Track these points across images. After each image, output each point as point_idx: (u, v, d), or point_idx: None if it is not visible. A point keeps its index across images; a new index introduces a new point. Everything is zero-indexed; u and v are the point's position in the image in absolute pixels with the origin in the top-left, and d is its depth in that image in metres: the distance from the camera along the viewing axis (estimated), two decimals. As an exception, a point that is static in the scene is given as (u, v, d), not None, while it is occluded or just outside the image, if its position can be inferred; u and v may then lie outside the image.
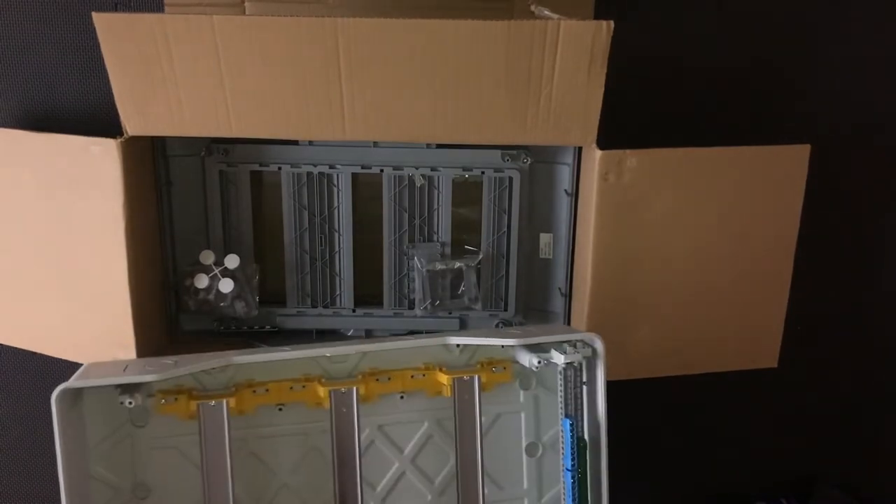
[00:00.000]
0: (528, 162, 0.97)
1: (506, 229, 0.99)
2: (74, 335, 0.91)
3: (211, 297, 0.96)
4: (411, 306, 1.01)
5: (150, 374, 0.73)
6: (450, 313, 1.01)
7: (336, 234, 0.99)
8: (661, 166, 0.87)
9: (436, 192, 0.98)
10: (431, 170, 0.97)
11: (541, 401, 0.83)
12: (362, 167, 0.97)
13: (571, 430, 0.78)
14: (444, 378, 0.80)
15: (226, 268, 0.96)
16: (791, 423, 1.25)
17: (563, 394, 0.78)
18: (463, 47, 0.80)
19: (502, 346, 0.82)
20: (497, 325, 1.01)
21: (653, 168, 0.86)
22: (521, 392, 0.83)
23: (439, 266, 0.99)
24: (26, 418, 1.17)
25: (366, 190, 0.99)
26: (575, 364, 0.77)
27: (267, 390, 0.79)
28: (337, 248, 1.00)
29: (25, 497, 1.21)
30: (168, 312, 0.98)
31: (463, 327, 1.02)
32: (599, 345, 0.77)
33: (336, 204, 0.98)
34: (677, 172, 0.87)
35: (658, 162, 0.86)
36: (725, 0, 1.08)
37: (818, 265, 1.15)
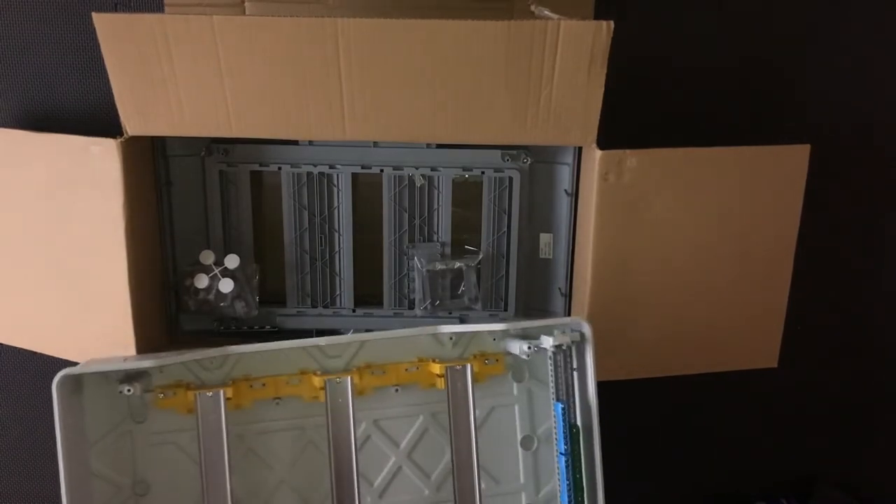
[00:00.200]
0: (528, 162, 0.97)
1: (506, 229, 0.99)
2: (74, 335, 0.91)
3: (211, 297, 0.96)
4: (411, 306, 1.01)
5: (149, 361, 0.74)
6: (450, 313, 1.01)
7: (336, 234, 0.99)
8: (661, 166, 0.87)
9: (436, 192, 0.98)
10: (431, 170, 0.97)
11: (534, 394, 0.84)
12: (362, 167, 0.97)
13: (563, 415, 0.78)
14: (436, 368, 0.81)
15: (226, 268, 0.96)
16: (791, 423, 1.25)
17: (553, 378, 0.79)
18: (463, 47, 0.80)
19: (493, 339, 0.83)
20: (497, 325, 1.01)
21: (653, 168, 0.86)
22: (515, 384, 0.84)
23: (439, 266, 0.99)
24: (26, 418, 1.17)
25: (366, 190, 0.99)
26: (564, 347, 0.78)
27: (263, 384, 0.80)
28: (337, 248, 1.00)
29: (25, 497, 1.21)
30: (168, 312, 0.98)
31: (463, 327, 1.02)
32: (587, 329, 0.78)
33: (336, 204, 0.98)
34: (677, 172, 0.87)
35: (658, 162, 0.86)
36: (725, 0, 1.08)
37: (818, 265, 1.15)
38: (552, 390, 0.80)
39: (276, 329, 1.01)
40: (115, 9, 1.03)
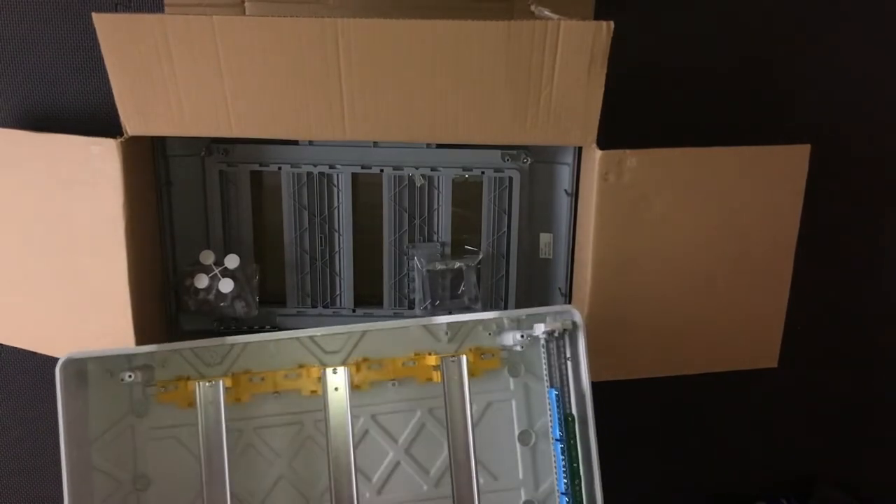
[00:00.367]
0: (528, 162, 0.97)
1: (506, 229, 0.99)
2: (74, 335, 0.91)
3: (211, 297, 0.96)
4: (411, 306, 1.01)
5: (151, 347, 0.76)
6: (450, 313, 1.01)
7: (336, 234, 0.99)
8: (661, 166, 0.87)
9: (436, 192, 0.98)
10: (431, 170, 0.97)
11: (531, 389, 0.84)
12: (362, 167, 0.97)
13: (557, 401, 0.79)
14: (432, 360, 0.82)
15: (226, 268, 0.96)
16: (791, 423, 1.25)
17: (546, 365, 0.80)
18: (463, 47, 0.80)
19: (489, 334, 0.85)
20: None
21: (653, 168, 0.86)
22: (511, 380, 0.84)
23: (439, 266, 0.99)
24: (26, 418, 1.17)
25: (366, 190, 0.99)
26: (556, 334, 0.79)
27: (262, 379, 0.81)
28: (337, 248, 1.00)
29: (25, 497, 1.21)
30: (168, 312, 0.98)
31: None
32: (578, 316, 0.79)
33: (336, 204, 0.98)
34: (677, 172, 0.87)
35: (658, 162, 0.86)
36: (725, 0, 1.08)
37: (818, 265, 1.15)
38: (546, 377, 0.80)
39: (276, 329, 1.01)
40: (115, 9, 1.03)
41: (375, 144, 0.96)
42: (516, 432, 0.83)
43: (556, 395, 0.79)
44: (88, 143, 0.84)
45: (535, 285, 1.02)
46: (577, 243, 0.96)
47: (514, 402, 0.84)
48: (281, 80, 0.82)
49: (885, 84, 1.12)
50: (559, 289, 1.00)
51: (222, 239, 0.98)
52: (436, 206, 0.99)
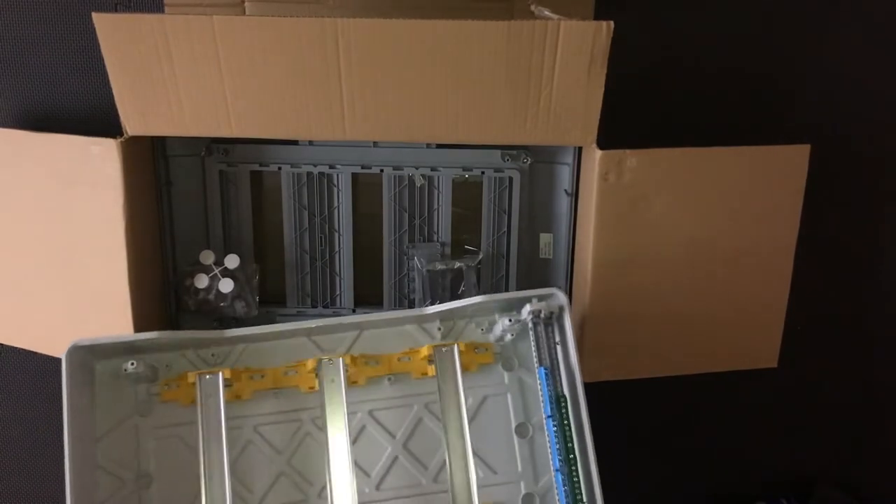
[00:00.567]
0: (528, 162, 0.97)
1: (506, 229, 0.99)
2: (75, 335, 0.90)
3: (211, 297, 0.96)
4: (411, 306, 1.01)
5: (152, 333, 0.77)
6: (450, 313, 1.01)
7: (336, 234, 0.99)
8: (661, 166, 0.87)
9: (436, 192, 0.98)
10: (431, 170, 0.97)
11: (525, 384, 0.84)
12: (362, 167, 0.97)
13: (546, 378, 0.79)
14: (424, 350, 0.82)
15: (226, 268, 0.96)
16: (791, 423, 1.25)
17: (535, 346, 0.81)
18: (463, 47, 0.80)
19: (482, 331, 0.85)
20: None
21: (653, 168, 0.86)
22: (506, 374, 0.84)
23: (439, 266, 0.99)
24: (26, 418, 1.17)
25: (366, 190, 0.99)
26: (542, 314, 0.80)
27: (262, 376, 0.82)
28: (337, 248, 1.00)
29: (25, 497, 1.21)
30: (168, 312, 0.98)
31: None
32: (562, 297, 0.81)
33: (336, 204, 0.98)
34: (677, 172, 0.87)
35: (658, 162, 0.86)
36: (726, 0, 1.08)
37: (818, 265, 1.15)
38: (535, 359, 0.81)
39: (276, 329, 1.01)
40: (115, 9, 1.03)
41: (375, 144, 0.96)
42: (513, 425, 0.83)
43: (546, 373, 0.79)
44: (88, 143, 0.84)
45: (534, 285, 1.02)
46: (577, 243, 0.96)
47: (509, 396, 0.84)
48: (281, 80, 0.82)
49: (885, 84, 1.12)
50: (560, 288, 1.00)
51: (222, 239, 0.98)
52: (436, 206, 0.99)
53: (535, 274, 1.02)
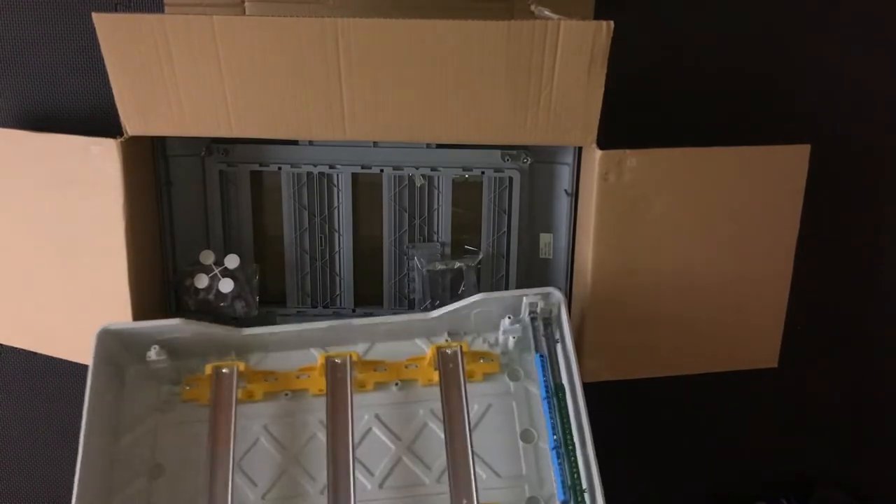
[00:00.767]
0: (528, 162, 0.97)
1: (506, 229, 0.99)
2: (74, 335, 0.91)
3: (211, 297, 0.96)
4: (411, 306, 1.01)
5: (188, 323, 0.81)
6: (450, 313, 1.01)
7: (336, 234, 0.99)
8: (661, 166, 0.87)
9: (436, 192, 0.98)
10: (431, 170, 0.97)
11: (531, 394, 0.84)
12: (362, 167, 0.97)
13: (542, 364, 0.80)
14: (430, 353, 0.83)
15: (226, 268, 0.96)
16: (791, 423, 1.25)
17: (533, 339, 0.82)
18: (463, 47, 0.80)
19: (489, 345, 0.86)
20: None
21: (653, 168, 0.86)
22: (511, 383, 0.85)
23: (439, 266, 0.99)
24: (26, 418, 1.17)
25: (366, 190, 0.99)
26: (540, 310, 0.83)
27: (275, 378, 0.84)
28: (337, 248, 1.00)
29: (25, 497, 1.21)
30: (168, 312, 0.98)
31: (463, 327, 1.02)
32: (558, 295, 0.83)
33: (336, 204, 0.98)
34: (677, 172, 0.87)
35: (658, 162, 0.86)
36: (726, 0, 1.08)
37: (818, 265, 1.15)
38: (532, 346, 0.82)
39: (276, 329, 1.01)
40: (115, 9, 1.03)
41: (375, 144, 0.96)
42: (518, 430, 0.83)
43: (543, 359, 0.80)
44: (88, 143, 0.84)
45: (534, 285, 1.01)
46: (577, 243, 0.96)
47: (514, 404, 0.84)
48: (281, 80, 0.82)
49: (885, 84, 1.12)
50: (559, 289, 1.00)
51: (222, 239, 0.98)
52: (436, 206, 0.99)
53: (535, 274, 1.02)
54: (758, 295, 0.94)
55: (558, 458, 0.75)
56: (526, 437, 0.83)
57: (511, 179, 0.97)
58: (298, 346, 0.86)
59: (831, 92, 1.12)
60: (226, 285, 0.95)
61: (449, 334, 0.86)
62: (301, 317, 1.01)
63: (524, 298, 0.83)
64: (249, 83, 0.82)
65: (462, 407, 0.79)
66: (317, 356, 0.84)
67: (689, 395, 1.20)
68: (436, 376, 0.83)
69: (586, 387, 0.79)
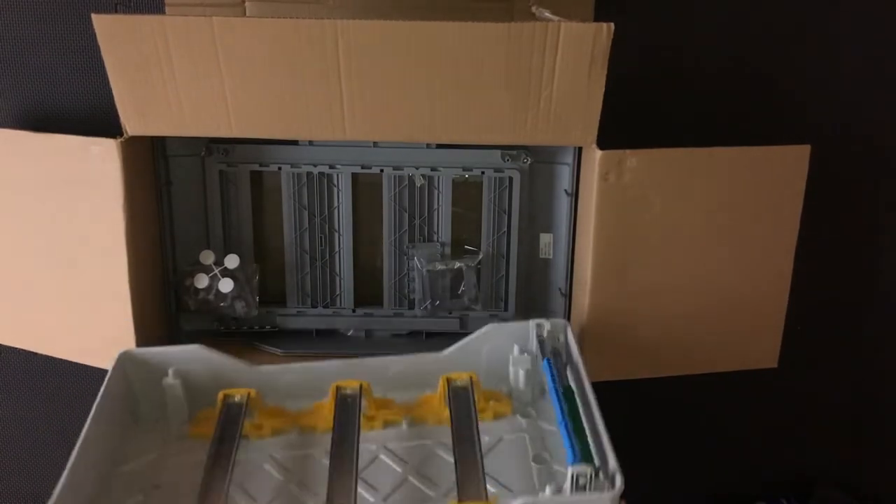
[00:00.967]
0: (528, 162, 0.97)
1: (506, 229, 0.99)
2: (74, 335, 0.91)
3: (211, 297, 0.96)
4: (411, 306, 1.01)
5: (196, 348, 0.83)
6: (450, 313, 1.01)
7: (336, 234, 0.99)
8: (661, 166, 0.87)
9: (436, 192, 0.98)
10: (431, 170, 0.97)
11: (545, 430, 0.82)
12: (362, 167, 0.97)
13: (549, 366, 0.80)
14: (440, 387, 0.82)
15: (226, 268, 0.96)
16: (791, 423, 1.25)
17: (540, 351, 0.83)
18: (463, 49, 0.80)
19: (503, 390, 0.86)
20: (497, 326, 1.01)
21: (653, 168, 0.86)
22: (523, 420, 0.83)
23: (439, 266, 0.99)
24: (26, 418, 1.17)
25: (366, 190, 0.99)
26: (545, 333, 0.84)
27: (285, 416, 0.83)
28: (337, 248, 1.00)
29: (26, 497, 1.21)
30: (168, 312, 0.98)
31: (463, 328, 1.02)
32: (561, 322, 0.85)
33: (336, 204, 0.98)
34: (677, 172, 0.87)
35: (658, 162, 0.86)
36: (726, 0, 1.08)
37: (818, 265, 1.15)
38: (539, 356, 0.82)
39: (276, 329, 1.01)
40: (115, 9, 1.03)
41: (375, 144, 0.96)
42: (530, 454, 0.80)
43: (549, 361, 0.80)
44: (88, 143, 0.84)
45: (535, 285, 1.02)
46: (577, 243, 0.96)
47: (527, 437, 0.81)
48: (281, 80, 0.82)
49: (886, 84, 1.12)
50: (559, 289, 1.00)
51: (222, 239, 0.98)
52: (436, 206, 0.99)
53: (535, 274, 1.02)
54: (758, 295, 0.94)
55: (566, 428, 0.73)
56: (539, 459, 0.80)
57: (511, 179, 0.97)
58: (309, 384, 0.84)
59: (831, 92, 1.12)
60: (226, 285, 0.95)
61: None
62: (301, 317, 1.01)
63: (530, 324, 0.84)
64: (249, 83, 0.82)
65: (472, 425, 0.77)
66: (327, 393, 0.82)
67: (689, 395, 1.20)
68: (446, 413, 0.80)
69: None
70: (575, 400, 0.76)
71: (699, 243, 0.90)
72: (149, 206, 0.93)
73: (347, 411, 0.79)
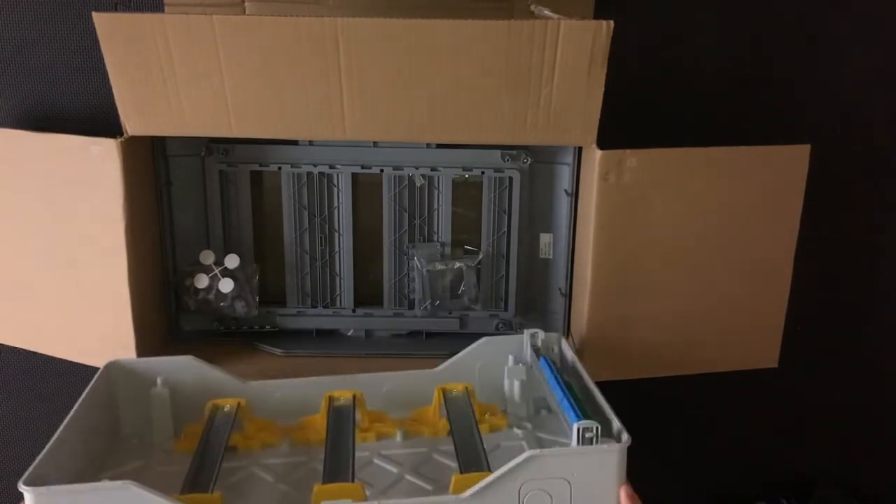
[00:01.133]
0: (528, 162, 0.97)
1: (506, 229, 0.99)
2: (74, 335, 0.91)
3: (211, 297, 0.96)
4: (411, 306, 1.01)
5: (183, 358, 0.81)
6: (450, 313, 1.01)
7: (336, 234, 0.99)
8: (661, 166, 0.87)
9: (436, 192, 0.98)
10: (431, 170, 0.97)
11: (542, 439, 0.81)
12: (362, 167, 0.97)
13: (547, 362, 0.80)
14: (435, 398, 0.81)
15: (226, 268, 0.96)
16: (791, 423, 1.25)
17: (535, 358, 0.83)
18: (463, 47, 0.80)
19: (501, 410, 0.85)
20: (497, 326, 1.01)
21: (653, 168, 0.86)
22: (519, 432, 0.82)
23: (439, 266, 0.99)
24: (26, 418, 1.17)
25: (366, 190, 0.99)
26: (539, 343, 0.84)
27: (275, 430, 0.81)
28: (337, 248, 1.00)
29: (25, 497, 1.21)
30: (168, 312, 0.98)
31: (463, 328, 1.02)
32: (555, 336, 0.85)
33: (336, 204, 0.98)
34: (677, 172, 0.87)
35: (658, 162, 0.86)
36: (726, 0, 1.08)
37: (818, 265, 1.15)
38: (534, 366, 0.82)
39: (276, 329, 1.01)
40: (115, 8, 1.03)
41: (375, 144, 0.96)
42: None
43: (547, 359, 0.80)
44: (88, 143, 0.84)
45: (535, 285, 1.02)
46: (577, 243, 0.96)
47: (525, 444, 0.80)
48: (281, 80, 0.82)
49: (886, 84, 1.12)
50: (559, 289, 1.00)
51: (222, 239, 0.98)
52: (436, 206, 0.99)
53: (535, 274, 1.02)
54: (758, 295, 0.94)
55: (567, 398, 0.73)
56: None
57: (511, 179, 0.97)
58: (301, 400, 0.82)
59: (831, 92, 1.12)
60: (226, 285, 0.95)
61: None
62: (301, 317, 1.01)
63: (525, 335, 0.84)
64: (249, 83, 0.82)
65: (471, 420, 0.76)
66: (320, 409, 0.80)
67: (689, 395, 1.20)
68: (442, 424, 0.80)
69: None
70: (573, 387, 0.76)
71: (699, 243, 0.90)
72: (149, 206, 0.93)
73: (341, 421, 0.77)
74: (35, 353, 0.94)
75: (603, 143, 0.85)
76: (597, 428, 0.65)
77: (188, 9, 0.99)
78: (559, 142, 0.88)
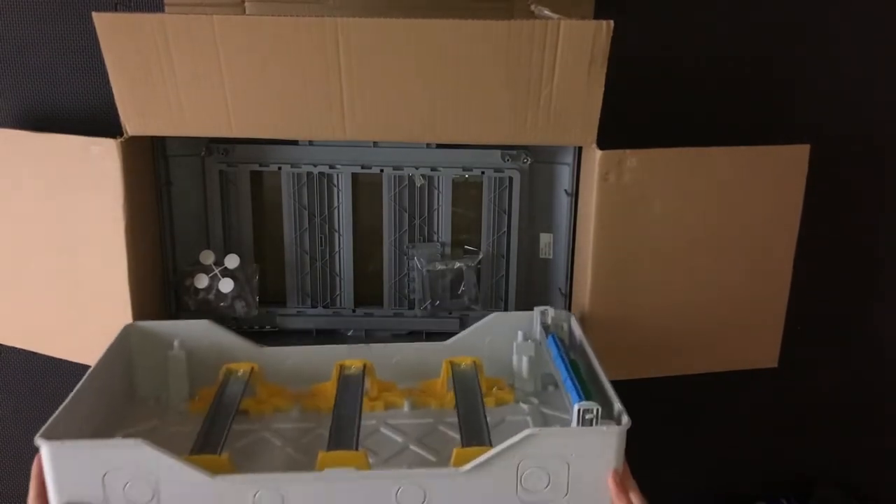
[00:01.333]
0: (528, 162, 0.97)
1: (506, 229, 0.99)
2: (74, 335, 0.91)
3: (211, 297, 0.96)
4: (411, 306, 1.01)
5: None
6: (450, 313, 1.01)
7: (336, 234, 0.99)
8: (661, 166, 0.87)
9: (436, 192, 0.98)
10: (431, 170, 0.97)
11: (547, 415, 0.82)
12: (362, 167, 0.97)
13: (554, 340, 0.81)
14: (443, 371, 0.82)
15: (226, 268, 0.96)
16: (791, 423, 1.25)
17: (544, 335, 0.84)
18: (463, 47, 0.80)
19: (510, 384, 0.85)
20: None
21: (653, 168, 0.86)
22: (526, 407, 0.83)
23: (439, 266, 0.99)
24: (26, 418, 1.17)
25: (366, 190, 0.99)
26: (548, 320, 0.85)
27: (286, 394, 0.83)
28: (337, 248, 1.00)
29: (26, 497, 1.21)
30: (168, 312, 0.98)
31: (463, 328, 1.01)
32: (565, 314, 0.86)
33: (336, 204, 0.98)
34: (677, 172, 0.87)
35: (658, 162, 0.86)
36: (726, 0, 1.08)
37: (818, 265, 1.14)
38: (542, 342, 0.83)
39: (276, 329, 1.01)
40: (115, 9, 1.03)
41: (375, 144, 0.96)
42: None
43: (554, 337, 0.81)
44: (88, 143, 0.84)
45: (535, 285, 1.02)
46: (577, 243, 0.96)
47: (530, 420, 0.81)
48: (281, 80, 0.82)
49: (886, 84, 1.12)
50: (559, 289, 1.00)
51: (222, 239, 0.98)
52: (436, 206, 0.99)
53: (535, 274, 1.02)
54: (758, 295, 0.94)
55: (569, 377, 0.74)
56: None
57: (511, 179, 0.97)
58: (313, 368, 0.84)
59: (831, 92, 1.12)
60: (226, 285, 0.95)
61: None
62: (301, 317, 1.01)
63: (535, 312, 0.84)
64: (249, 83, 0.82)
65: (477, 395, 0.77)
66: (331, 374, 0.82)
67: (689, 395, 1.20)
68: (449, 397, 0.81)
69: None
70: (579, 366, 0.77)
71: (699, 243, 0.90)
72: (149, 206, 0.93)
73: (350, 389, 0.79)
74: (35, 353, 0.94)
75: (603, 143, 0.85)
76: (597, 409, 0.66)
77: (188, 9, 0.99)
78: (559, 142, 0.88)
